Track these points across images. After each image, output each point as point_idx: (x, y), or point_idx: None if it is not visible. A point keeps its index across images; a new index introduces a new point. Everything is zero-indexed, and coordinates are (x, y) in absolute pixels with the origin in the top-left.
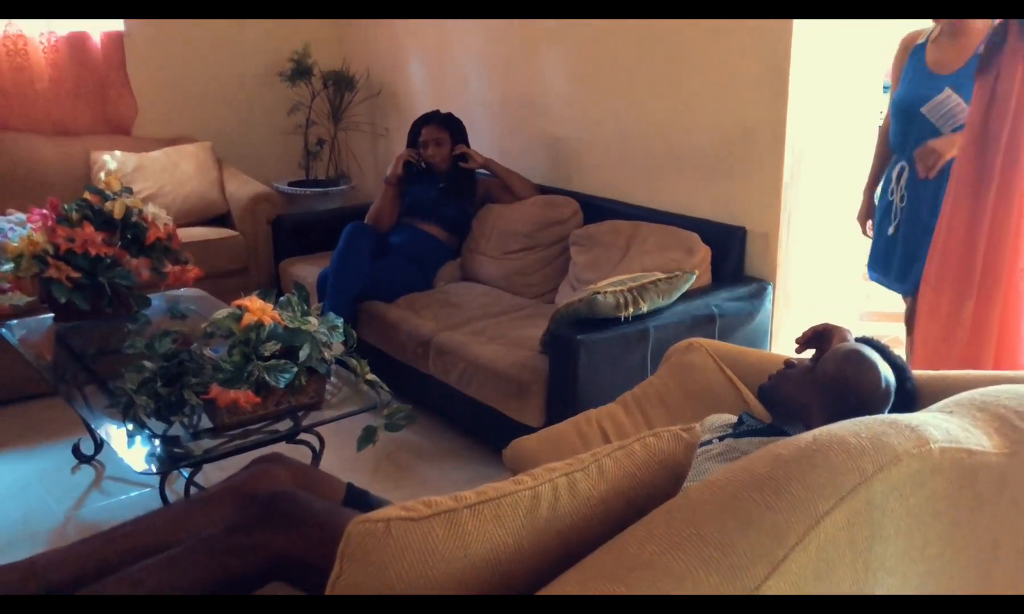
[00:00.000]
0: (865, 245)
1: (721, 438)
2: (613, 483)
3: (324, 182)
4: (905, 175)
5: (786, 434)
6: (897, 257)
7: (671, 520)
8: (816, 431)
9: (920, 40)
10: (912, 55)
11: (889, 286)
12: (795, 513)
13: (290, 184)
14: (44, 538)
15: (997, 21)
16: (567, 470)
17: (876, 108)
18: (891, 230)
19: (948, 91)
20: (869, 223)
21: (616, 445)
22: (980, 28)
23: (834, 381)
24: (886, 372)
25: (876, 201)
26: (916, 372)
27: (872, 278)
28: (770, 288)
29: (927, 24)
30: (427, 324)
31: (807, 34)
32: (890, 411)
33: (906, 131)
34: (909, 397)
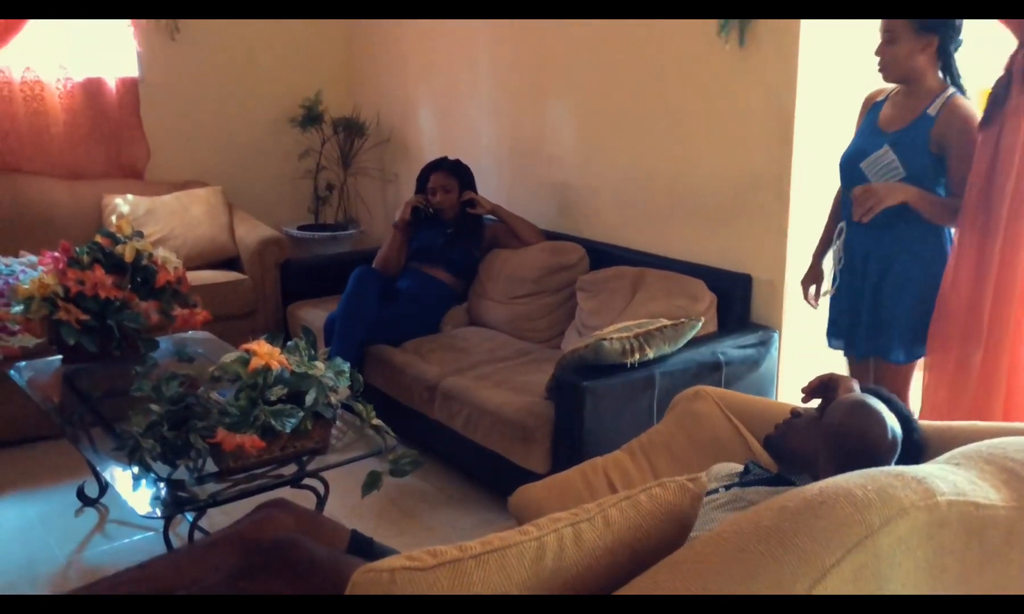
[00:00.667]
0: None
1: (727, 487)
2: (619, 534)
3: (333, 226)
4: (844, 235)
5: (793, 484)
6: (845, 320)
7: (676, 573)
8: (822, 483)
9: (880, 98)
10: (870, 111)
11: (845, 352)
12: (801, 566)
13: (299, 228)
14: (46, 581)
15: (943, 90)
16: (573, 520)
17: None
18: (833, 290)
19: (886, 148)
20: (812, 289)
21: (622, 495)
22: (931, 89)
23: (840, 432)
24: (892, 423)
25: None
26: (923, 423)
27: (830, 345)
28: (776, 336)
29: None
30: (433, 369)
31: (812, 82)
32: (897, 462)
33: (847, 187)
34: (916, 448)
